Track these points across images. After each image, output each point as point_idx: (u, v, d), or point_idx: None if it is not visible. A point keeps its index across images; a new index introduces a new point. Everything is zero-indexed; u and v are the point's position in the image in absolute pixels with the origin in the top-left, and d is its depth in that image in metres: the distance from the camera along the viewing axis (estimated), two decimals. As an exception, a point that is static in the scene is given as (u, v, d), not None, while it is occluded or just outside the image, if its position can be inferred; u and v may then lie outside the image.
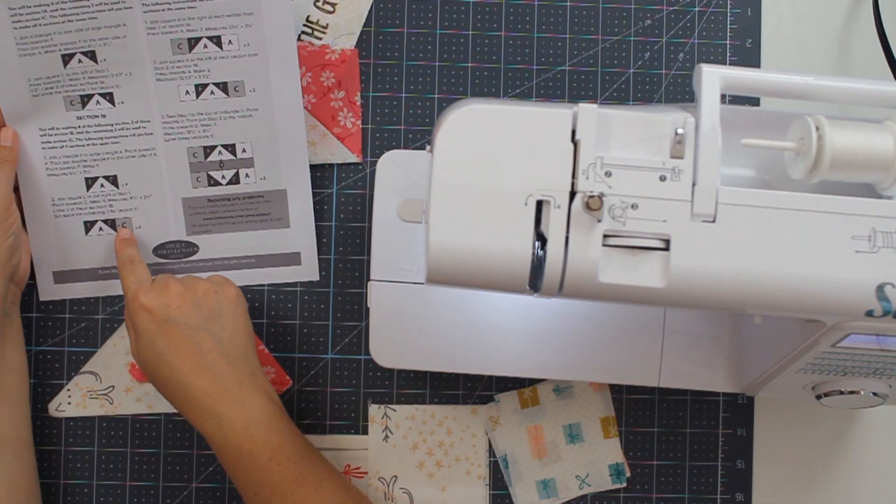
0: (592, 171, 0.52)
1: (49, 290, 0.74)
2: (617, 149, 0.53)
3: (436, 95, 0.75)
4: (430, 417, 0.74)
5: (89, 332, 0.74)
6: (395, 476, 0.74)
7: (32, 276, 0.73)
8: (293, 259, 0.74)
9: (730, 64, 0.76)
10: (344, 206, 0.75)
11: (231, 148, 0.72)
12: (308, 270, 0.74)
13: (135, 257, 0.68)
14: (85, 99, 0.70)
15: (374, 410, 0.75)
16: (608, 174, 0.52)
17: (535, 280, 0.54)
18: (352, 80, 0.75)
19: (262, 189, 0.73)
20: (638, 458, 0.75)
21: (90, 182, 0.72)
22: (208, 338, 0.64)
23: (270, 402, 0.65)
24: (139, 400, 0.74)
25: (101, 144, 0.71)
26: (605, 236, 0.52)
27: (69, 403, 0.74)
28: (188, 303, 0.65)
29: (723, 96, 0.53)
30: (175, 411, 0.74)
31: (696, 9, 0.76)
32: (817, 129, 0.52)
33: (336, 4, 0.75)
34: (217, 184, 0.72)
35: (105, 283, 0.74)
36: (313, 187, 0.74)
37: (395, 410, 0.75)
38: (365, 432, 0.74)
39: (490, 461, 0.75)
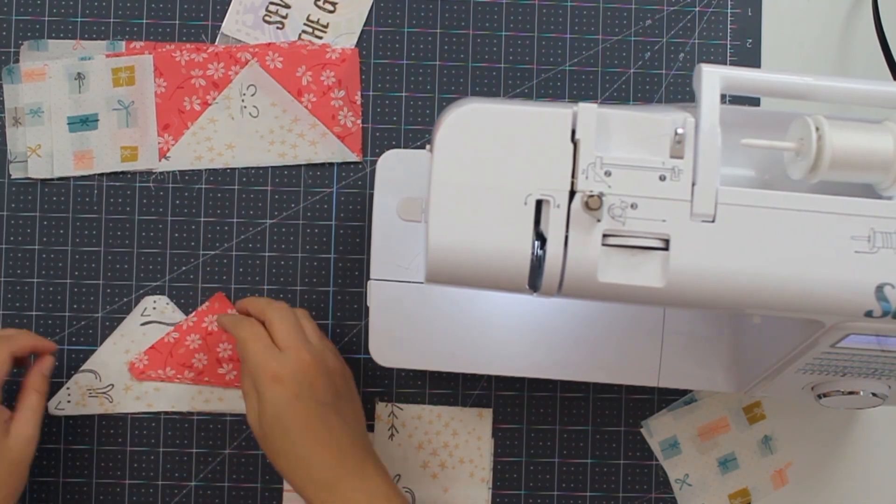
0: (592, 171, 0.52)
1: None
2: (617, 148, 0.52)
3: (436, 95, 0.75)
4: (437, 418, 0.74)
5: (89, 330, 0.74)
6: (399, 475, 0.74)
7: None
8: None
9: (730, 64, 0.76)
10: (344, 206, 0.75)
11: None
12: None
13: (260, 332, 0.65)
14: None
15: (381, 408, 0.75)
16: (608, 174, 0.52)
17: (535, 279, 0.54)
18: (352, 80, 0.75)
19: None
20: (637, 458, 0.75)
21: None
22: (334, 414, 0.63)
23: (384, 473, 0.64)
24: (138, 398, 0.74)
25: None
26: (605, 236, 0.52)
27: (68, 402, 0.74)
28: (321, 378, 0.63)
29: (723, 96, 0.53)
30: (174, 410, 0.74)
31: (697, 9, 0.76)
32: (817, 129, 0.52)
33: (336, 3, 0.75)
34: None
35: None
36: (313, 187, 0.74)
37: (401, 409, 0.75)
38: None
39: (494, 464, 0.75)
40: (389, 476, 0.65)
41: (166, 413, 0.74)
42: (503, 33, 0.76)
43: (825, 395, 0.64)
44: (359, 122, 0.75)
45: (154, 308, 0.74)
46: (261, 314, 0.67)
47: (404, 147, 0.75)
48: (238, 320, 0.66)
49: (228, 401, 0.74)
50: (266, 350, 0.63)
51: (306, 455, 0.61)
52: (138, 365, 0.74)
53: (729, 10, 0.76)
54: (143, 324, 0.74)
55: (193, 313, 0.74)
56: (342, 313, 0.75)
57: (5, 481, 0.63)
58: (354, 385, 0.68)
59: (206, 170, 0.75)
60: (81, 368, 0.74)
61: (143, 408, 0.74)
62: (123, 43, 0.75)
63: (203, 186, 0.75)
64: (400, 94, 0.75)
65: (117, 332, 0.74)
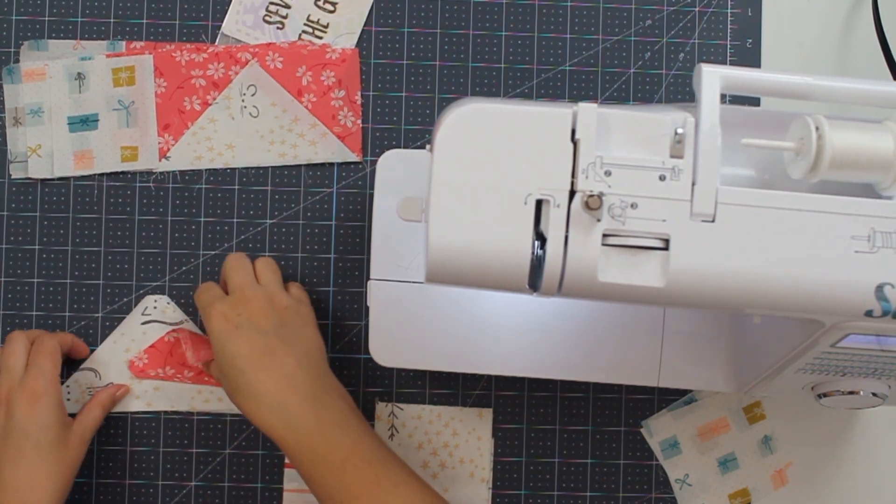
0: (592, 171, 0.52)
1: None
2: (617, 148, 0.52)
3: (436, 95, 0.75)
4: (437, 418, 0.74)
5: (89, 329, 0.74)
6: (397, 475, 0.74)
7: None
8: None
9: (730, 64, 0.76)
10: (344, 206, 0.75)
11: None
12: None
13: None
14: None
15: (382, 408, 0.75)
16: (608, 173, 0.52)
17: (535, 279, 0.54)
18: (352, 80, 0.75)
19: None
20: (637, 458, 0.75)
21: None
22: (277, 340, 0.65)
23: (343, 402, 0.65)
24: (138, 398, 0.74)
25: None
26: (605, 235, 0.52)
27: (68, 400, 0.74)
28: (262, 311, 0.66)
29: (723, 96, 0.53)
30: (172, 409, 0.74)
31: (696, 9, 0.76)
32: (817, 129, 0.52)
33: (337, 4, 0.75)
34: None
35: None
36: (314, 187, 0.74)
37: (401, 409, 0.75)
38: (364, 431, 0.74)
39: (494, 464, 0.75)
40: (349, 401, 0.66)
41: (166, 413, 0.74)
42: (503, 33, 0.76)
43: (825, 395, 0.64)
44: (359, 122, 0.75)
45: (155, 307, 0.74)
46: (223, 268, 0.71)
47: (404, 147, 0.75)
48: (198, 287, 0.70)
49: (228, 401, 0.74)
50: (213, 298, 0.67)
51: (253, 379, 0.64)
52: (138, 363, 0.74)
53: (729, 10, 0.76)
54: (143, 323, 0.74)
55: (193, 313, 0.75)
56: (342, 313, 0.75)
57: (62, 475, 0.67)
58: (311, 321, 0.69)
59: (206, 170, 0.75)
60: (81, 367, 0.74)
61: (143, 407, 0.74)
62: (123, 43, 0.75)
63: (203, 186, 0.75)
64: (400, 94, 0.75)
65: (117, 331, 0.74)
